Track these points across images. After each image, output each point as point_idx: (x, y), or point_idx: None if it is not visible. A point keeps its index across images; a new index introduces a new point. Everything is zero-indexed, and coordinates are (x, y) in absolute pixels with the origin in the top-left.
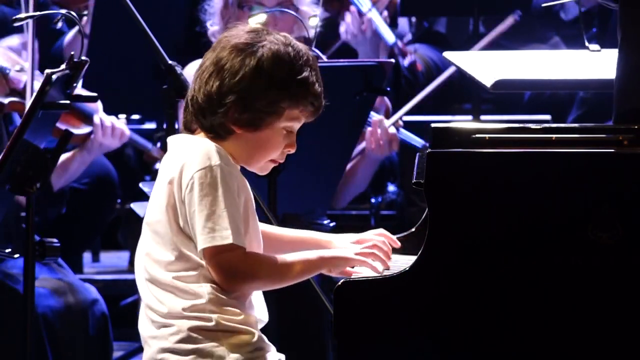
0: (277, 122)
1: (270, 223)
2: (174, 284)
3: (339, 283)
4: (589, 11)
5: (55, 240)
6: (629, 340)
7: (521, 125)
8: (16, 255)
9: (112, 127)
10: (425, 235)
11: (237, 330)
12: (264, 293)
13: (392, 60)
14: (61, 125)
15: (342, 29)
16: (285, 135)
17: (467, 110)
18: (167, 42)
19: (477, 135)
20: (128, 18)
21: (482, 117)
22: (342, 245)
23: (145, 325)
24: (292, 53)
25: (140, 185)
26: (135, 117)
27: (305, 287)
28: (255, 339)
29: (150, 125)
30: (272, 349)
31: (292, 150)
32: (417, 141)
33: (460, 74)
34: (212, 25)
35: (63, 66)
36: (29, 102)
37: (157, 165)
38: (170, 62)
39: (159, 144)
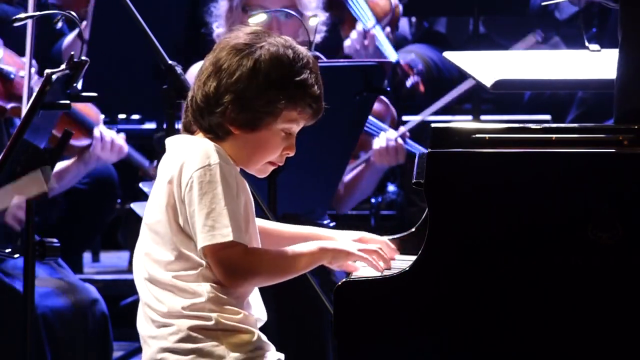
0: (274, 123)
1: None
2: (174, 283)
3: (339, 283)
4: (588, 10)
5: (55, 240)
6: (629, 340)
7: (521, 125)
8: (16, 255)
9: (112, 141)
10: (425, 235)
11: (237, 330)
12: (263, 292)
13: (392, 60)
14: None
15: (347, 43)
16: (283, 138)
17: (467, 110)
18: (167, 42)
19: (477, 135)
20: (128, 18)
21: (482, 117)
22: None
23: (144, 325)
24: (292, 55)
25: (140, 185)
26: (135, 117)
27: (305, 287)
28: (255, 338)
29: (150, 125)
30: (272, 348)
31: (291, 154)
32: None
33: (460, 74)
34: (218, 28)
35: (63, 66)
36: (28, 103)
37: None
38: (170, 62)
39: (155, 163)
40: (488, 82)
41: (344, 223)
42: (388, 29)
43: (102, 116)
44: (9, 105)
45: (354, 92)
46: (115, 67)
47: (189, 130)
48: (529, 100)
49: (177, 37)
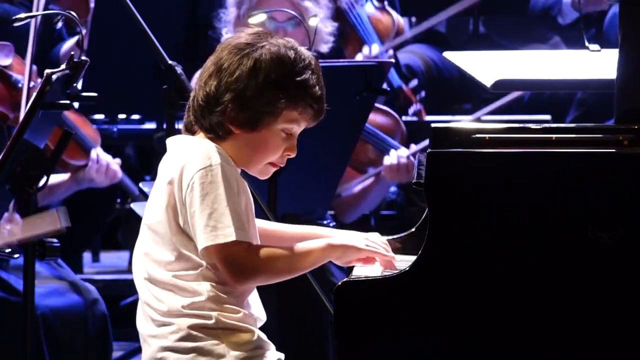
0: (274, 123)
1: None
2: (173, 282)
3: (339, 283)
4: (589, 14)
5: (55, 240)
6: (629, 340)
7: (521, 125)
8: (16, 255)
9: (107, 166)
10: (425, 235)
11: (237, 328)
12: (264, 292)
13: (392, 60)
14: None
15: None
16: (284, 138)
17: (467, 110)
18: (167, 42)
19: (477, 135)
20: (128, 18)
21: (482, 117)
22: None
23: (144, 324)
24: (293, 55)
25: (140, 185)
26: (135, 117)
27: (305, 287)
28: (255, 337)
29: (150, 125)
30: (272, 347)
31: (292, 155)
32: None
33: (460, 74)
34: (227, 33)
35: (63, 66)
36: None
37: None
38: (170, 62)
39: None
40: (488, 82)
41: (344, 223)
42: (391, 51)
43: (102, 115)
44: (12, 115)
45: (354, 92)
46: (115, 67)
47: (190, 130)
48: (529, 100)
49: (177, 37)
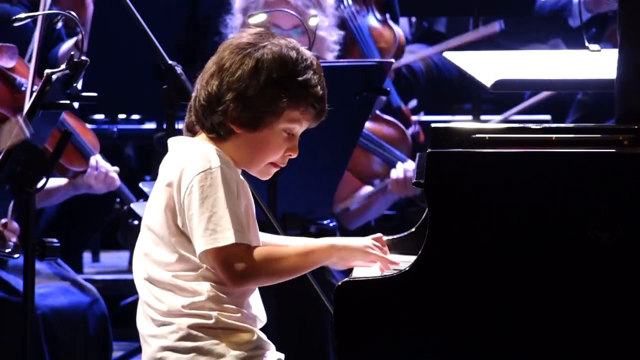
0: (276, 122)
1: (270, 223)
2: (173, 282)
3: (339, 283)
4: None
5: (55, 240)
6: (629, 340)
7: (521, 125)
8: (16, 255)
9: (106, 173)
10: (425, 235)
11: (237, 328)
12: (264, 292)
13: (392, 60)
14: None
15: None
16: (286, 139)
17: (467, 110)
18: (167, 42)
19: (477, 135)
20: (128, 18)
21: (482, 117)
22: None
23: (144, 324)
24: (295, 55)
25: (140, 185)
26: (135, 117)
27: (305, 287)
28: (255, 337)
29: (150, 125)
30: (272, 347)
31: (294, 155)
32: None
33: (460, 74)
34: None
35: (63, 66)
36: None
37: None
38: (170, 62)
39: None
40: (488, 82)
41: (348, 230)
42: (392, 75)
43: (102, 115)
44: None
45: (354, 92)
46: (115, 67)
47: (191, 131)
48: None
49: (177, 37)
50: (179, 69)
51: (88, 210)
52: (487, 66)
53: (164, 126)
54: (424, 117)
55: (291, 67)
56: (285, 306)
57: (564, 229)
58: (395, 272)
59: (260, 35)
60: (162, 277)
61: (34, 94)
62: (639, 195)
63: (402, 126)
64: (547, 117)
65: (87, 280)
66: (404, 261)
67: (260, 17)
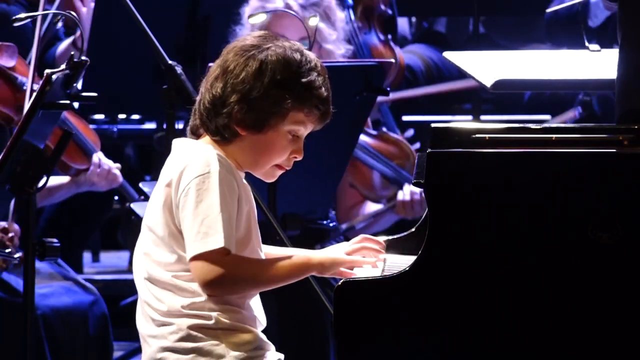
0: (281, 124)
1: (270, 223)
2: (173, 282)
3: (339, 283)
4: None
5: (55, 240)
6: (629, 340)
7: (521, 125)
8: (16, 255)
9: (108, 170)
10: (425, 235)
11: (237, 329)
12: (263, 294)
13: (392, 60)
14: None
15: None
16: (291, 141)
17: (467, 110)
18: (167, 42)
19: (477, 135)
20: (128, 18)
21: (482, 117)
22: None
23: (143, 323)
24: (299, 57)
25: (140, 185)
26: (135, 117)
27: (305, 287)
28: (255, 337)
29: (150, 125)
30: (272, 348)
31: (299, 157)
32: None
33: (460, 74)
34: None
35: (63, 66)
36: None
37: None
38: (170, 62)
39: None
40: (488, 82)
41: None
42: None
43: (102, 115)
44: (17, 117)
45: (354, 92)
46: (115, 67)
47: (195, 134)
48: (529, 100)
49: (177, 37)
50: (179, 69)
51: (88, 208)
52: (487, 66)
53: (164, 126)
54: (424, 117)
55: (295, 69)
56: (285, 306)
57: (564, 229)
58: (395, 272)
59: (264, 38)
60: (162, 277)
61: (34, 94)
62: (639, 195)
63: (408, 145)
64: (547, 117)
65: (87, 280)
66: (404, 261)
67: (260, 17)
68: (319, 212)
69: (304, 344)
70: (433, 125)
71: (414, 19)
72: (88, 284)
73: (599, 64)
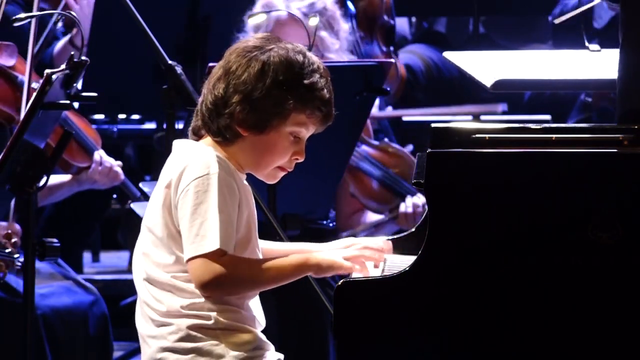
0: (283, 125)
1: (271, 223)
2: (172, 282)
3: (339, 283)
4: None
5: (55, 240)
6: (629, 340)
7: (521, 125)
8: (16, 255)
9: (110, 167)
10: (425, 235)
11: (237, 329)
12: (263, 294)
13: (392, 60)
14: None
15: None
16: (292, 142)
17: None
18: (167, 42)
19: (477, 135)
20: (128, 18)
21: (482, 117)
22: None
23: (143, 324)
24: (301, 59)
25: (140, 185)
26: (135, 117)
27: (305, 287)
28: (255, 337)
29: (150, 125)
30: (272, 348)
31: (301, 159)
32: None
33: (460, 74)
34: None
35: (63, 66)
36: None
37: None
38: (170, 62)
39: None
40: (488, 82)
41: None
42: (390, 108)
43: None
44: (18, 116)
45: (354, 92)
46: (115, 67)
47: (197, 135)
48: (529, 100)
49: (177, 37)
50: (179, 69)
51: (88, 206)
52: (487, 66)
53: (164, 126)
54: (424, 117)
55: (297, 70)
56: (285, 306)
57: (564, 229)
58: (395, 272)
59: (266, 40)
60: (162, 277)
61: (34, 94)
62: (639, 195)
63: (410, 156)
64: (547, 117)
65: (87, 280)
66: (404, 261)
67: (260, 18)
68: (319, 212)
69: (303, 344)
70: (433, 125)
71: (414, 19)
72: (88, 284)
73: (599, 64)
